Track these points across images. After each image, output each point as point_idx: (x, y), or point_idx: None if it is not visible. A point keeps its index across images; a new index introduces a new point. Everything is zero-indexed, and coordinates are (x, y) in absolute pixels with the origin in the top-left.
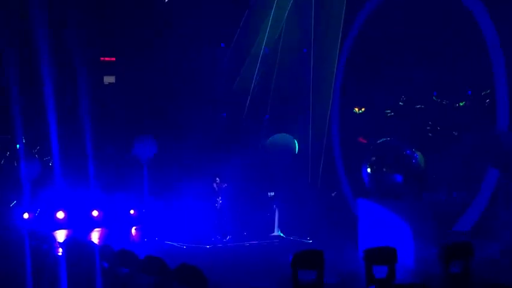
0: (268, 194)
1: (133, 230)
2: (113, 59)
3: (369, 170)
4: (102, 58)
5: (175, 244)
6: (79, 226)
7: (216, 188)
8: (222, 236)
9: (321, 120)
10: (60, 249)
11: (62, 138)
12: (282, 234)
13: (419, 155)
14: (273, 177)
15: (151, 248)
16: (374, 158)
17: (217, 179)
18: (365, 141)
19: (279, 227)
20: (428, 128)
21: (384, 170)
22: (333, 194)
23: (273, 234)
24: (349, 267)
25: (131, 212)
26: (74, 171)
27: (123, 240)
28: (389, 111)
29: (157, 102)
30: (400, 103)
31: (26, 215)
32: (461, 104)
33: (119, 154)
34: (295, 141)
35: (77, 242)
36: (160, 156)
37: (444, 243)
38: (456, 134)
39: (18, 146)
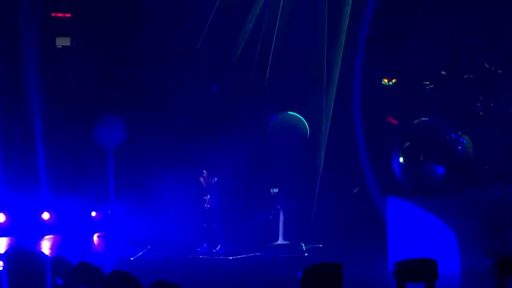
0: (271, 190)
1: (95, 238)
2: (69, 14)
3: (401, 159)
4: (54, 14)
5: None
6: (24, 233)
7: (204, 184)
8: (211, 245)
9: (338, 95)
10: (0, 263)
11: (1, 120)
12: (304, 247)
13: (466, 139)
14: (277, 169)
15: (119, 261)
16: (408, 144)
17: (205, 171)
18: (396, 122)
19: (287, 233)
20: (478, 104)
21: (421, 159)
22: (354, 191)
23: (277, 243)
24: (376, 286)
25: (93, 214)
26: (17, 163)
27: (82, 251)
28: (427, 82)
29: (127, 73)
30: (442, 72)
31: None
32: None
33: (78, 140)
34: (306, 123)
35: (23, 253)
36: (131, 142)
37: (499, 253)
38: None
39: None
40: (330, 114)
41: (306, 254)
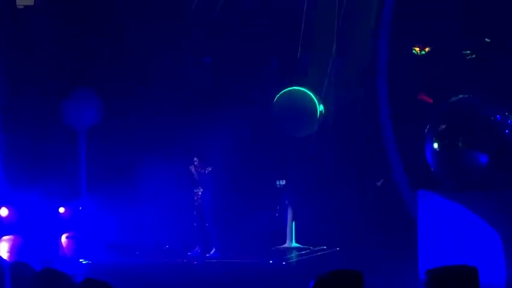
0: (277, 182)
1: (64, 239)
2: None
3: (436, 145)
4: None
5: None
6: None
7: (195, 174)
8: (203, 248)
9: (358, 67)
10: None
11: None
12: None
13: None
14: (285, 157)
15: (93, 267)
16: (444, 127)
17: (196, 159)
18: (430, 101)
19: (296, 235)
20: None
21: (459, 145)
22: (378, 184)
23: (284, 246)
24: None
25: (61, 210)
26: None
27: (48, 255)
28: (468, 52)
29: (102, 38)
30: (486, 39)
31: None
32: None
33: (42, 120)
34: (317, 100)
35: None
36: (107, 123)
37: None
38: None
39: None
40: (349, 89)
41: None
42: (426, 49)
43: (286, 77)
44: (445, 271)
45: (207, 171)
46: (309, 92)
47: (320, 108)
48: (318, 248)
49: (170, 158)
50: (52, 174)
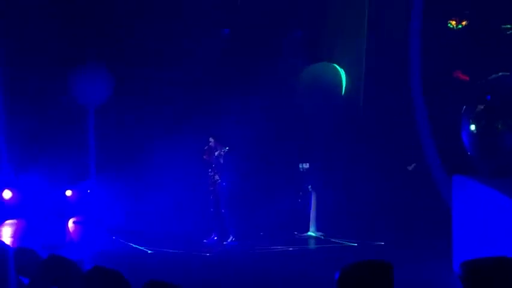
0: (300, 166)
1: (71, 223)
2: None
3: (473, 127)
4: None
5: (139, 247)
6: None
7: (209, 156)
8: (220, 236)
9: (388, 41)
10: None
11: None
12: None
13: None
14: (308, 138)
15: (101, 254)
16: (481, 108)
17: (211, 139)
18: (466, 78)
19: (320, 222)
20: None
21: (499, 127)
22: (409, 168)
23: (308, 234)
24: None
25: (68, 193)
26: None
27: (54, 240)
28: (508, 26)
29: (112, 9)
30: None
31: None
32: None
33: (48, 97)
34: (344, 76)
35: None
36: (118, 99)
37: None
38: None
39: None
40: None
41: (338, 243)
42: (463, 23)
43: (311, 50)
44: (482, 263)
45: (222, 153)
46: (336, 67)
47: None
48: (344, 237)
49: (184, 139)
50: (59, 155)
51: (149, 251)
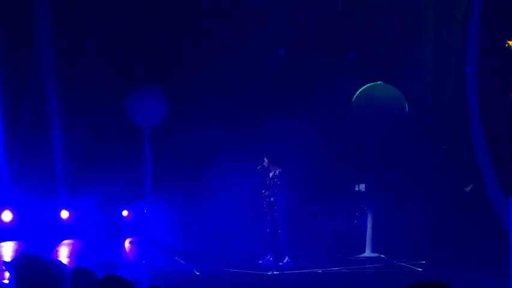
0: (356, 187)
1: (127, 243)
2: None
3: None
4: None
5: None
6: (36, 236)
7: (264, 176)
8: (276, 257)
9: (446, 62)
10: (6, 274)
11: (5, 93)
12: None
13: None
14: (364, 159)
15: (157, 274)
16: None
17: (266, 160)
18: None
19: (376, 243)
20: None
21: None
22: (467, 189)
23: (364, 255)
24: None
25: (124, 214)
26: (26, 149)
27: (111, 260)
28: None
29: (169, 31)
30: None
31: None
32: None
33: (104, 119)
34: (402, 97)
35: (34, 261)
36: (172, 120)
37: None
38: None
39: None
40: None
41: (396, 263)
42: None
43: (369, 72)
44: None
45: (276, 174)
46: (393, 88)
47: (405, 104)
48: (400, 259)
49: (240, 158)
50: (115, 175)
51: (203, 272)
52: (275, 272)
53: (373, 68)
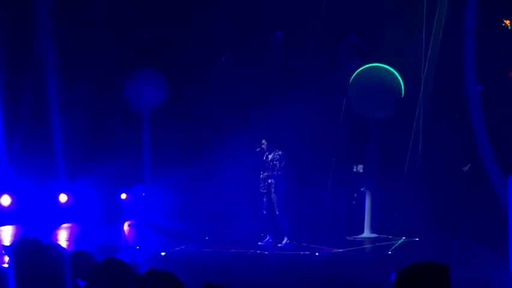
0: (354, 168)
1: (126, 226)
2: None
3: None
4: None
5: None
6: (35, 220)
7: (263, 158)
8: (275, 238)
9: (444, 42)
10: (6, 258)
11: (5, 79)
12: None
13: None
14: (362, 141)
15: (157, 256)
16: None
17: (264, 142)
18: None
19: (374, 224)
20: None
21: None
22: (464, 169)
23: (362, 236)
24: None
25: (123, 197)
26: (25, 133)
27: (110, 244)
28: None
29: (167, 13)
30: None
31: None
32: None
33: (102, 101)
34: (400, 79)
35: (34, 245)
36: (170, 103)
37: None
38: None
39: None
40: (434, 67)
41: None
42: None
43: (366, 53)
44: None
45: (276, 156)
46: (391, 69)
47: (402, 86)
48: (398, 238)
49: (239, 141)
50: (114, 158)
51: (204, 253)
52: (274, 253)
53: (374, 49)
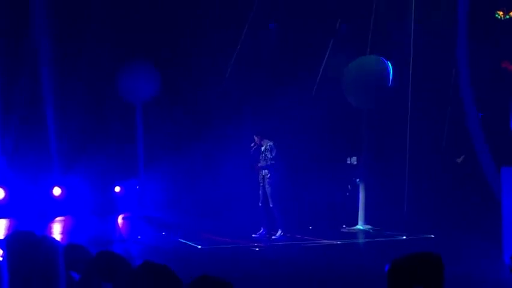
0: (348, 160)
1: (120, 219)
2: None
3: None
4: None
5: (188, 242)
6: (29, 213)
7: (258, 153)
8: (269, 230)
9: (436, 31)
10: (0, 252)
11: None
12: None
13: None
14: (356, 132)
15: (151, 249)
16: None
17: (256, 137)
18: None
19: (368, 216)
20: None
21: None
22: (458, 160)
23: (356, 227)
24: (487, 284)
25: (117, 190)
26: (20, 126)
27: (104, 236)
28: None
29: (159, 7)
30: None
31: None
32: None
33: (96, 94)
34: (391, 69)
35: (27, 239)
36: (164, 96)
37: None
38: None
39: None
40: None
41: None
42: (511, 13)
43: (357, 44)
44: None
45: (268, 147)
46: (382, 60)
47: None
48: (392, 231)
49: (233, 135)
50: (108, 151)
51: (198, 246)
52: (268, 245)
53: (365, 39)
